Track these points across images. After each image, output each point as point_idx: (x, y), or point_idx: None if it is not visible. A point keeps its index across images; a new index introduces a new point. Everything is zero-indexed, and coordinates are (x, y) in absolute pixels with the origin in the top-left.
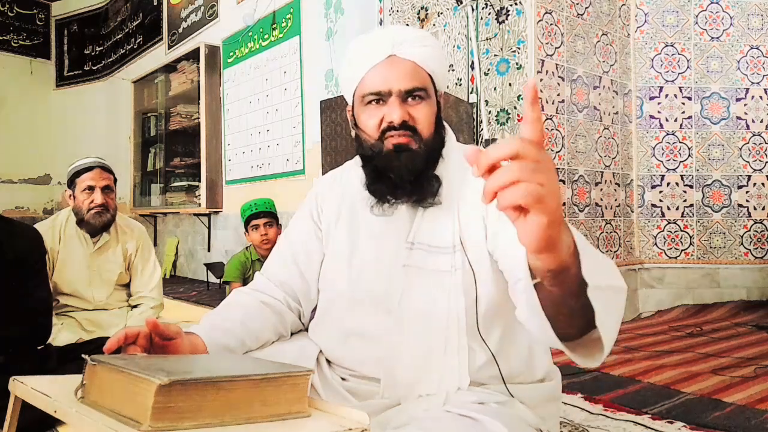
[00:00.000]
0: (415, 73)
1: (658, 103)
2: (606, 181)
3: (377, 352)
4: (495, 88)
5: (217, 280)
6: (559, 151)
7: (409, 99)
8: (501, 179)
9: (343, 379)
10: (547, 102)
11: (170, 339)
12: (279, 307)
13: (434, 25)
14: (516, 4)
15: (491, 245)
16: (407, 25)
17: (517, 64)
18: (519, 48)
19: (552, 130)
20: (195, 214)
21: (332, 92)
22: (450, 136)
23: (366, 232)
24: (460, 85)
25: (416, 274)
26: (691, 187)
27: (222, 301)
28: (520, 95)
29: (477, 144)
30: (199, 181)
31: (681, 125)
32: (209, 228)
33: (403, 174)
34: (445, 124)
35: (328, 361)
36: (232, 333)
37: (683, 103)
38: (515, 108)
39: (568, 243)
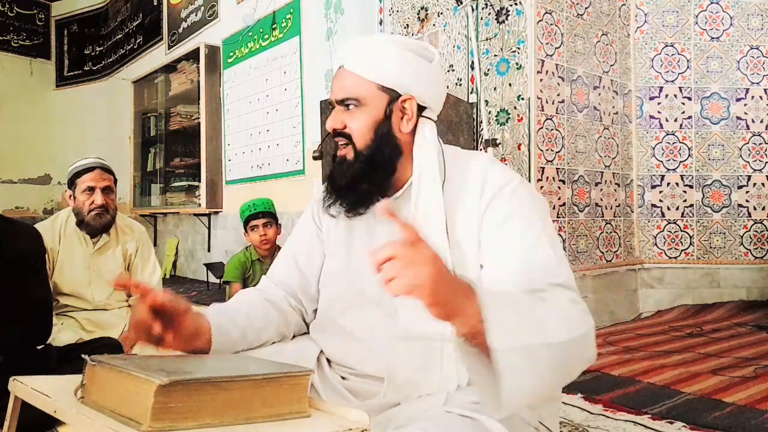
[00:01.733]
0: (352, 84)
1: (658, 103)
2: (606, 181)
3: (377, 352)
4: (495, 88)
5: (217, 280)
6: (559, 151)
7: (346, 108)
8: (385, 275)
9: (343, 378)
10: (547, 102)
11: (178, 314)
12: (282, 306)
13: (434, 25)
14: (516, 4)
15: (481, 258)
16: (407, 26)
17: (517, 64)
18: (519, 48)
19: (552, 130)
20: (195, 214)
21: None
22: (427, 148)
23: (361, 233)
24: (460, 85)
25: None
26: (691, 187)
27: (223, 302)
28: (520, 95)
29: (477, 144)
30: (199, 181)
31: (681, 125)
32: (209, 228)
33: (335, 182)
34: (422, 138)
35: (329, 361)
36: (236, 323)
37: (683, 103)
38: (515, 108)
39: (476, 312)
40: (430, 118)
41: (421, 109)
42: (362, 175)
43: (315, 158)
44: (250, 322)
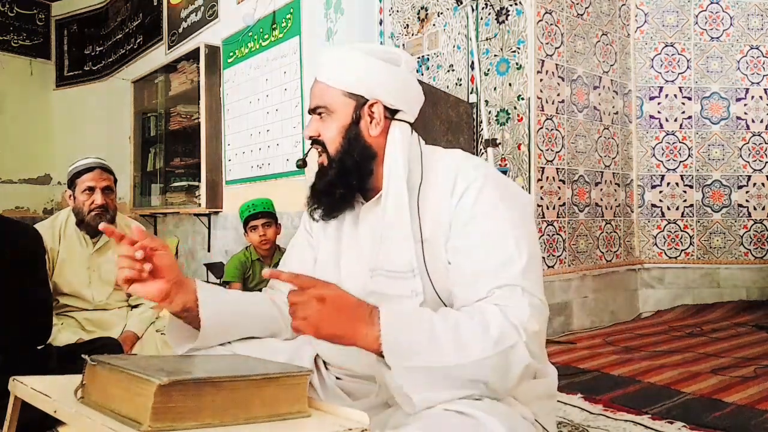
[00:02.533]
0: (320, 93)
1: (658, 103)
2: (606, 181)
3: (367, 352)
4: (495, 88)
5: (217, 281)
6: (559, 151)
7: (319, 117)
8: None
9: (338, 378)
10: (547, 102)
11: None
12: (281, 306)
13: (434, 25)
14: (516, 4)
15: (448, 256)
16: (407, 26)
17: (517, 64)
18: (519, 48)
19: (552, 130)
20: (195, 215)
21: None
22: (394, 150)
23: (348, 237)
24: (460, 85)
25: (381, 299)
26: (691, 187)
27: None
28: (520, 95)
29: (476, 144)
30: (199, 181)
31: (681, 125)
32: (209, 228)
33: (315, 187)
34: (392, 141)
35: (325, 363)
36: (223, 296)
37: (683, 103)
38: (515, 108)
39: (377, 336)
40: (406, 121)
41: (394, 112)
42: (337, 180)
43: (299, 167)
44: (240, 298)
